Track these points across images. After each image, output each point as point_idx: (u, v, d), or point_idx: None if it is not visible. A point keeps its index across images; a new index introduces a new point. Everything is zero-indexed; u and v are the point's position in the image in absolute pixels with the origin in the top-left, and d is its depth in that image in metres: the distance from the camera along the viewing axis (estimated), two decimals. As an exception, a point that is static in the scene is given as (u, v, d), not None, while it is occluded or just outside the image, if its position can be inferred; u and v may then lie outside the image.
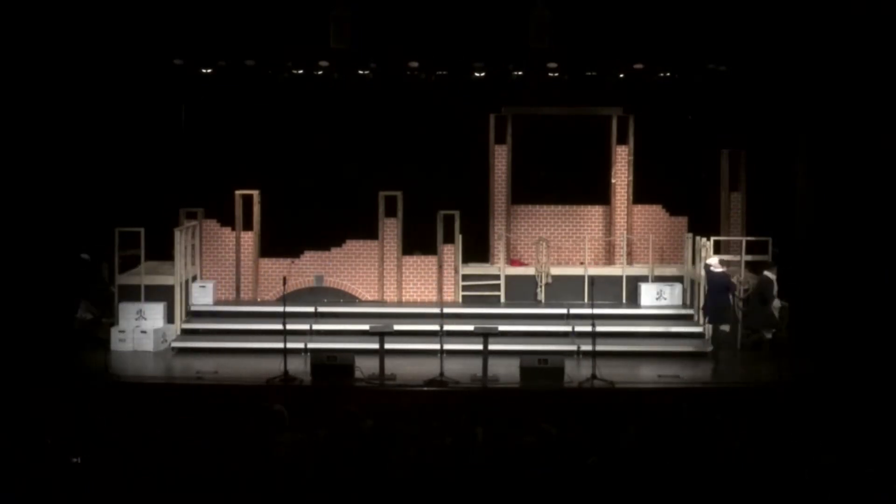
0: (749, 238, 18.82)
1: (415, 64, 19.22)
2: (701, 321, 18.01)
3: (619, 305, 19.39)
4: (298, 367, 16.08)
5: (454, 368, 15.81)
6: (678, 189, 20.52)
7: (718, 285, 16.96)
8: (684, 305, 19.21)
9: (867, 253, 17.52)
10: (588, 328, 16.29)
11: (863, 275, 17.49)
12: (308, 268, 19.83)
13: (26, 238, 17.62)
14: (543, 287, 19.67)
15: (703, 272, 17.57)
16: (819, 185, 18.55)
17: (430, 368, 15.81)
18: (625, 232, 20.18)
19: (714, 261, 17.32)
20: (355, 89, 19.99)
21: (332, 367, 15.68)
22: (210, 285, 19.23)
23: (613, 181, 20.42)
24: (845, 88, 17.58)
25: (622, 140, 20.34)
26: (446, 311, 18.77)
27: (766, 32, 17.35)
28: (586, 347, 16.58)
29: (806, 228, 18.71)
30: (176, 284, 18.42)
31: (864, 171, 17.69)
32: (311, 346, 17.28)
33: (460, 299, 19.68)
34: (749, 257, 18.50)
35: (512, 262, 20.16)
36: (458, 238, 19.71)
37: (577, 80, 19.55)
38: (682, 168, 20.43)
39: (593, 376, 15.50)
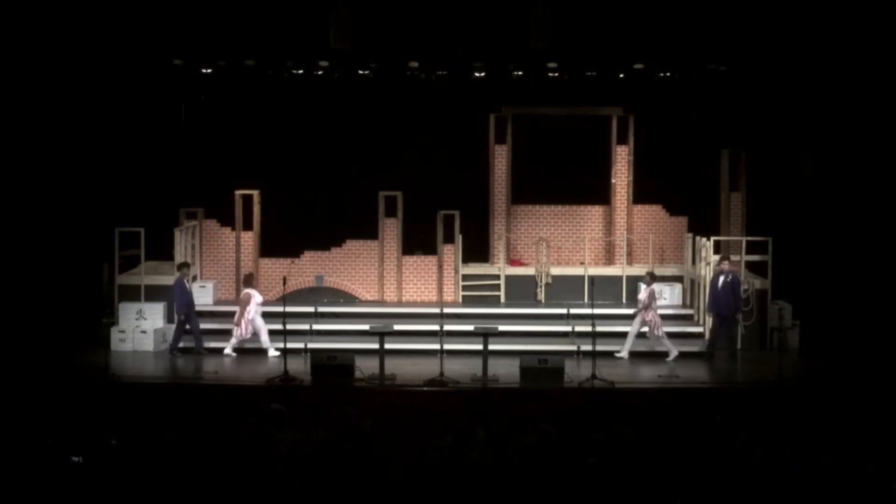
0: (749, 238, 18.81)
1: (415, 64, 19.22)
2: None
3: (619, 305, 19.39)
4: (298, 367, 16.08)
5: (454, 368, 15.81)
6: (678, 189, 20.52)
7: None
8: (684, 305, 19.21)
9: (867, 253, 17.52)
10: (588, 328, 16.30)
11: (863, 274, 17.50)
12: (308, 268, 19.83)
13: (27, 238, 17.61)
14: (543, 287, 19.67)
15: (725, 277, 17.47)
16: (819, 185, 18.55)
17: (430, 368, 15.81)
18: (625, 232, 20.18)
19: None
20: (355, 89, 19.98)
21: (332, 367, 15.68)
22: (210, 285, 19.22)
23: (613, 181, 20.42)
24: (845, 88, 17.58)
25: (622, 140, 20.33)
26: (446, 311, 18.77)
27: (766, 32, 17.35)
28: (586, 347, 16.58)
29: (806, 228, 18.71)
30: (176, 284, 18.41)
31: (864, 171, 17.69)
32: (311, 346, 17.28)
33: (460, 299, 19.68)
34: (749, 257, 18.48)
35: (512, 262, 20.16)
36: (458, 238, 19.71)
37: (577, 80, 19.56)
38: (682, 168, 20.42)
39: (593, 376, 15.50)
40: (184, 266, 17.77)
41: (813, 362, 16.87)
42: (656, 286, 19.37)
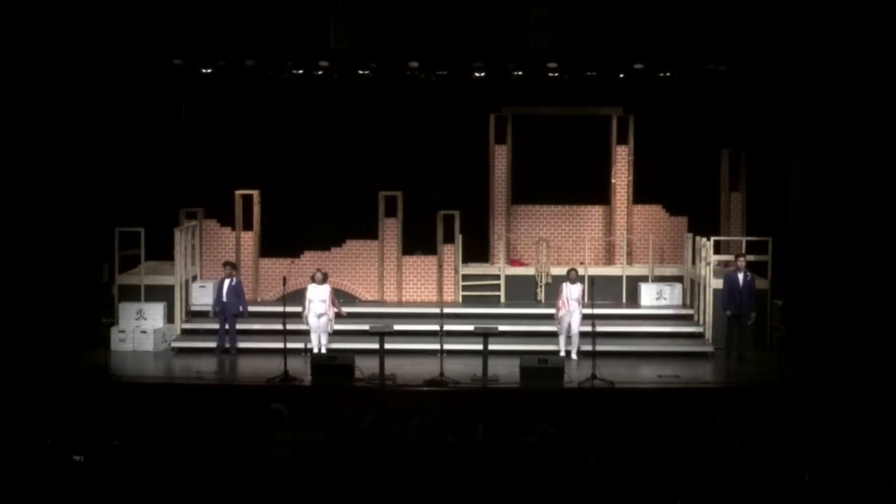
0: (749, 238, 18.81)
1: (415, 64, 19.22)
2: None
3: (619, 305, 19.39)
4: (298, 367, 16.08)
5: (454, 368, 15.81)
6: (678, 189, 20.53)
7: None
8: (684, 305, 19.21)
9: (865, 252, 17.51)
10: (588, 328, 16.27)
11: (861, 274, 17.49)
12: (308, 268, 19.79)
13: (27, 238, 17.60)
14: (543, 287, 19.66)
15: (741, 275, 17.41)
16: (817, 184, 18.54)
17: (430, 368, 15.81)
18: (625, 232, 20.17)
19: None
20: (355, 89, 19.98)
21: (332, 367, 15.69)
22: (210, 285, 19.21)
23: (613, 181, 20.42)
24: (845, 88, 17.57)
25: (622, 140, 20.33)
26: (446, 311, 18.72)
27: (766, 32, 17.34)
28: (586, 347, 16.57)
29: (804, 228, 18.69)
30: (176, 284, 18.43)
31: (863, 171, 17.68)
32: (311, 346, 17.26)
33: (460, 299, 19.68)
34: (749, 257, 18.47)
35: (512, 262, 20.16)
36: (458, 238, 19.71)
37: (577, 80, 19.55)
38: (682, 168, 20.42)
39: (593, 376, 15.50)
40: (227, 265, 17.83)
41: (812, 362, 16.86)
42: (656, 286, 19.46)
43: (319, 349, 17.12)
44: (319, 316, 17.13)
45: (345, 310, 17.72)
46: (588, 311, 16.94)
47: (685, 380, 16.03)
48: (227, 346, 17.53)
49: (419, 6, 17.16)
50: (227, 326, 17.55)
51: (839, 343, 16.97)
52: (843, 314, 17.35)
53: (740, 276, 17.35)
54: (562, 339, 17.24)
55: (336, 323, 18.48)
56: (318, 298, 17.15)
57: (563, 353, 17.02)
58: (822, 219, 18.20)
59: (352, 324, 18.28)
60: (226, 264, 17.93)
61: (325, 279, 17.36)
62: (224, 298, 17.48)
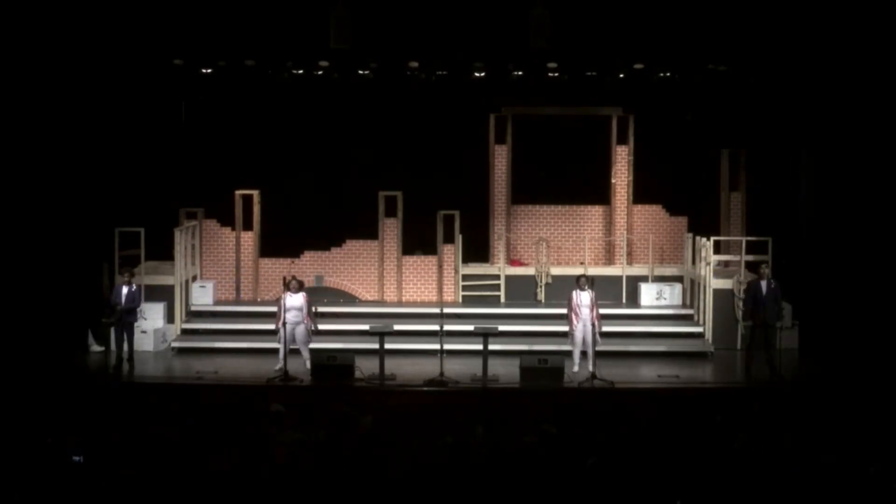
0: (749, 238, 18.81)
1: (415, 64, 19.22)
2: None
3: (619, 305, 19.39)
4: (298, 367, 16.08)
5: (454, 368, 15.81)
6: (678, 189, 20.53)
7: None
8: (684, 305, 19.21)
9: (868, 253, 17.52)
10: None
11: (864, 274, 17.50)
12: (308, 268, 19.83)
13: (27, 239, 17.61)
14: (543, 287, 19.66)
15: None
16: (820, 185, 18.55)
17: (430, 368, 15.81)
18: (625, 232, 20.17)
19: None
20: (355, 89, 19.98)
21: (332, 367, 15.68)
22: (210, 285, 19.23)
23: (613, 181, 20.42)
24: (846, 87, 17.59)
25: (622, 140, 20.33)
26: (446, 311, 18.73)
27: (767, 32, 17.35)
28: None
29: (807, 229, 18.70)
30: (176, 284, 18.42)
31: (866, 171, 17.70)
32: (311, 345, 17.24)
33: (460, 299, 19.68)
34: (749, 257, 18.48)
35: (512, 262, 20.16)
36: (458, 238, 19.71)
37: (577, 80, 19.54)
38: (682, 168, 20.42)
39: (593, 376, 15.50)
40: (126, 271, 16.96)
41: (813, 362, 16.87)
42: (656, 286, 19.46)
43: (283, 365, 15.94)
44: (295, 326, 16.32)
45: (338, 309, 17.18)
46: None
47: (685, 380, 16.02)
48: (126, 356, 16.48)
49: (419, 6, 17.16)
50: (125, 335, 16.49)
51: (839, 343, 16.96)
52: (845, 314, 17.35)
53: (763, 283, 16.42)
54: (576, 353, 16.25)
55: (335, 323, 18.53)
56: (294, 308, 16.33)
57: (576, 369, 16.10)
58: (826, 219, 18.22)
59: (352, 324, 18.30)
60: (123, 271, 17.08)
61: (300, 287, 16.56)
62: (122, 306, 16.44)
